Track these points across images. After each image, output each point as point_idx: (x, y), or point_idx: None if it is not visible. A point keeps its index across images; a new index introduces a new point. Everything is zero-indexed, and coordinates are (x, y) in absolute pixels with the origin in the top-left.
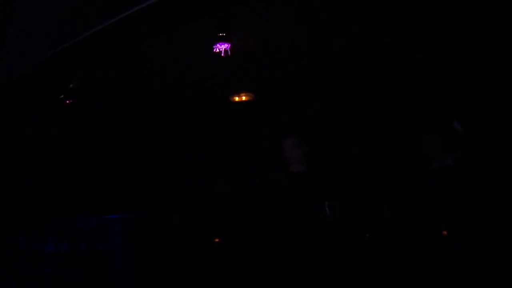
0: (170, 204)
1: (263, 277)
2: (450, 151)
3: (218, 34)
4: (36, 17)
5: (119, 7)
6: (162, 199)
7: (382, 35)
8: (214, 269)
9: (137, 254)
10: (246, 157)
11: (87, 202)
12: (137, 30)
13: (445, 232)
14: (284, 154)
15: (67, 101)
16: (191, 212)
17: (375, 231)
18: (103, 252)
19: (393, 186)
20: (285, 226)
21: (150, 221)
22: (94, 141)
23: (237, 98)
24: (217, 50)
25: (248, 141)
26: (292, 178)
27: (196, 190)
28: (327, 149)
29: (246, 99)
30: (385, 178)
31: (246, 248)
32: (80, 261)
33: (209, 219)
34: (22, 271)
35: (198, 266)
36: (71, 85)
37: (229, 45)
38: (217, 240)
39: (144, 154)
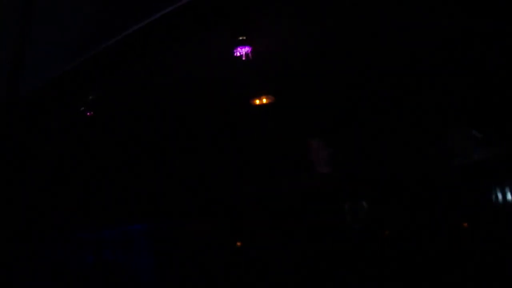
0: (194, 211)
1: (289, 280)
2: (475, 147)
3: (238, 38)
4: (54, 29)
5: (137, 15)
6: (185, 206)
7: (404, 31)
8: (238, 275)
9: (162, 263)
10: (269, 161)
11: (108, 213)
12: (157, 38)
13: (465, 224)
14: (310, 156)
15: (88, 113)
16: (215, 218)
17: (396, 229)
18: (127, 262)
19: (416, 185)
20: (311, 228)
21: (174, 229)
22: (115, 150)
23: (258, 101)
24: (238, 54)
25: (271, 144)
26: (318, 180)
27: (221, 195)
28: (352, 149)
29: (266, 102)
30: (409, 176)
31: (272, 252)
32: (105, 272)
33: (233, 224)
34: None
35: (222, 271)
36: (91, 97)
37: (250, 48)
38: (239, 244)
39: (164, 161)
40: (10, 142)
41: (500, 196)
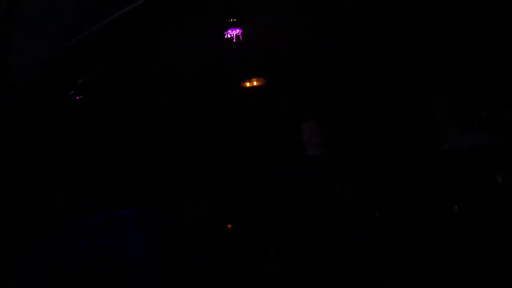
0: (182, 197)
1: (280, 262)
2: (466, 133)
3: (230, 20)
4: (42, 14)
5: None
6: (175, 191)
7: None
8: (228, 257)
9: (152, 247)
10: (260, 144)
11: (101, 199)
12: (148, 19)
13: (456, 208)
14: (302, 139)
15: (77, 97)
16: (204, 203)
17: (386, 211)
18: (119, 247)
19: (406, 167)
20: (302, 211)
21: (164, 214)
22: (104, 136)
23: (248, 84)
24: (229, 36)
25: (263, 127)
26: (310, 162)
27: (211, 180)
28: (344, 132)
29: (257, 84)
30: (399, 159)
31: (262, 234)
32: (97, 257)
33: (223, 209)
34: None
35: (213, 254)
36: (80, 81)
37: (241, 30)
38: (230, 226)
39: (154, 147)
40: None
41: (486, 180)
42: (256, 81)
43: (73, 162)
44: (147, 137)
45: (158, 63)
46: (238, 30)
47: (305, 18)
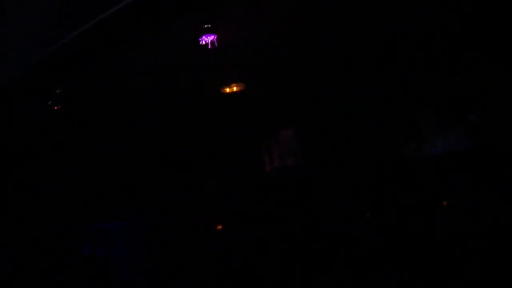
0: (167, 204)
1: (267, 267)
2: (446, 135)
3: (204, 26)
4: (21, 21)
5: (103, 5)
6: (159, 199)
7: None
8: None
9: (144, 255)
10: (241, 151)
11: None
12: (122, 27)
13: (445, 203)
14: (280, 146)
15: (55, 107)
16: (190, 209)
17: (376, 212)
18: (109, 257)
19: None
20: (285, 218)
21: (153, 222)
22: (92, 144)
23: (228, 90)
24: (204, 42)
25: (242, 134)
26: (288, 170)
27: (192, 187)
28: (324, 138)
29: (237, 90)
30: (383, 162)
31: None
32: (88, 265)
33: (208, 216)
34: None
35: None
36: (58, 91)
37: (215, 36)
38: (220, 227)
39: (138, 153)
40: None
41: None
42: (236, 86)
43: (63, 174)
44: (128, 145)
45: (135, 70)
46: (212, 36)
47: (283, 20)
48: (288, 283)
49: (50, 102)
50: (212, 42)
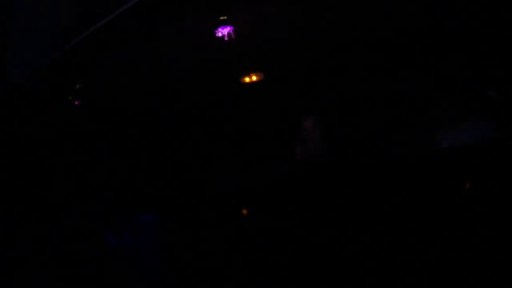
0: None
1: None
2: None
3: (220, 18)
4: (36, 20)
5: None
6: (183, 194)
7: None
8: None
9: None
10: (260, 143)
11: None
12: (140, 21)
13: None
14: (303, 136)
15: (76, 102)
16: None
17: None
18: (135, 251)
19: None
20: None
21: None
22: (107, 140)
23: (247, 79)
24: (220, 34)
25: (262, 125)
26: (309, 161)
27: (216, 181)
28: (344, 128)
29: (256, 80)
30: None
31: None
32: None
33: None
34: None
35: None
36: (78, 86)
37: (232, 28)
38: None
39: (154, 149)
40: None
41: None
42: (255, 76)
43: (78, 167)
44: (145, 141)
45: (153, 64)
46: (229, 28)
47: (299, 6)
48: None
49: (71, 97)
50: (228, 34)
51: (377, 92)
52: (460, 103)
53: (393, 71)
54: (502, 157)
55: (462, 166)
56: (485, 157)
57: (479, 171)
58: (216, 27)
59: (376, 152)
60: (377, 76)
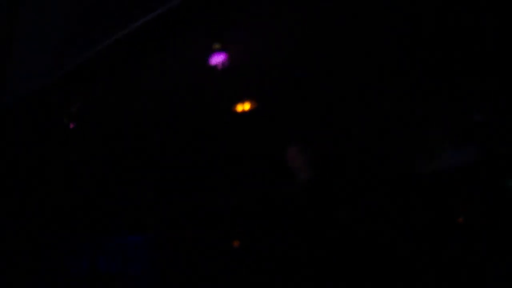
0: (182, 221)
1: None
2: (459, 148)
3: (213, 46)
4: (35, 42)
5: (113, 28)
6: (173, 216)
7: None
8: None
9: (159, 273)
10: (251, 168)
11: (105, 223)
12: (133, 49)
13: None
14: (289, 163)
15: (71, 125)
16: (206, 225)
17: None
18: (124, 273)
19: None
20: (298, 236)
21: (171, 239)
22: (106, 160)
23: (240, 108)
24: (214, 63)
25: (253, 151)
26: (299, 186)
27: (205, 204)
28: (331, 153)
29: (249, 108)
30: (388, 178)
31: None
32: (101, 281)
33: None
34: None
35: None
36: (72, 109)
37: (226, 56)
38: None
39: (149, 169)
40: None
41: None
42: (247, 104)
43: (76, 187)
44: (139, 162)
45: (148, 89)
46: (223, 56)
47: (294, 36)
48: None
49: (65, 120)
50: (222, 62)
51: (368, 120)
52: (447, 128)
53: (381, 102)
54: (488, 176)
55: (449, 188)
56: (471, 179)
57: (466, 192)
58: (210, 55)
59: (362, 175)
60: (370, 108)
